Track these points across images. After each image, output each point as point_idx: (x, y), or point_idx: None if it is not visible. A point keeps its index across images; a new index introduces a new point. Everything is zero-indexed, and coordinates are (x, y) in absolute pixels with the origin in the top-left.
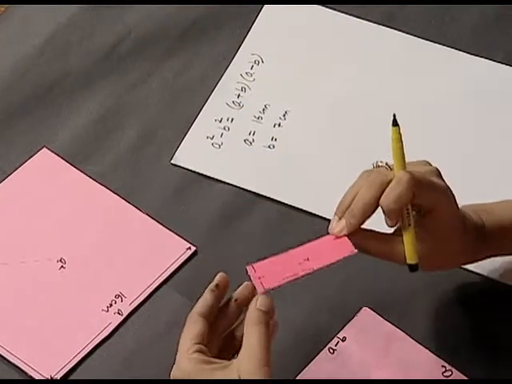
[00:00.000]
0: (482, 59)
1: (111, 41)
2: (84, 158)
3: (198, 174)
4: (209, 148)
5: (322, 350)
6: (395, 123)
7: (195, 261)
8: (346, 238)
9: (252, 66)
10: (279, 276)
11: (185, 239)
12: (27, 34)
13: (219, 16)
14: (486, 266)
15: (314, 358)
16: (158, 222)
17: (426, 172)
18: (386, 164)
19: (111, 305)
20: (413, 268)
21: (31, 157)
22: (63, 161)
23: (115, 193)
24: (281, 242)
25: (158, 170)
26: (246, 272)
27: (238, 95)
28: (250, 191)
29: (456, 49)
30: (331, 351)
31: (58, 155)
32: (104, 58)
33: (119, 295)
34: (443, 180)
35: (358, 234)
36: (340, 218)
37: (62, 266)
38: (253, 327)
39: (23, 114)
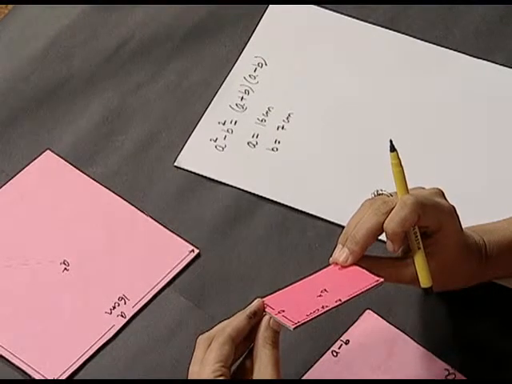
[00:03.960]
0: (485, 62)
1: (115, 43)
2: (87, 161)
3: (202, 176)
4: (212, 150)
5: (325, 352)
6: (393, 149)
7: (198, 263)
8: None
9: (255, 69)
10: (302, 310)
11: (188, 241)
12: (31, 36)
13: (223, 18)
14: None
15: (318, 360)
16: (162, 224)
17: (430, 193)
18: (388, 193)
19: (114, 307)
20: (427, 291)
21: (35, 159)
22: (66, 163)
23: (118, 195)
24: (284, 244)
25: (162, 173)
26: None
27: (242, 98)
28: (253, 194)
29: (459, 51)
30: (334, 354)
31: (61, 157)
32: (107, 60)
33: (122, 298)
34: (447, 200)
35: (363, 262)
36: (343, 246)
37: (65, 269)
38: (266, 347)
39: (27, 116)
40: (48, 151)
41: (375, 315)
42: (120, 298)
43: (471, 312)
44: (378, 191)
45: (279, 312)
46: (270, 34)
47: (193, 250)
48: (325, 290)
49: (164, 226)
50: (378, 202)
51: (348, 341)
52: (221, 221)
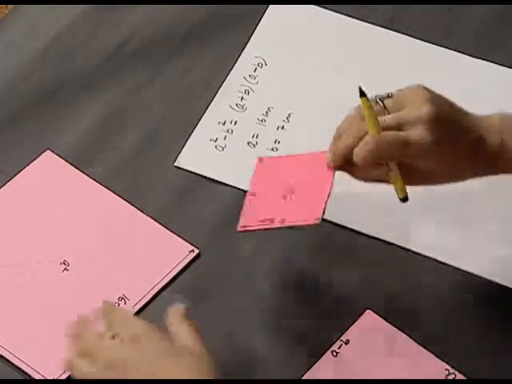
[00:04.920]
0: (485, 62)
1: (115, 43)
2: (88, 161)
3: (202, 176)
4: (212, 150)
5: (325, 352)
6: (362, 94)
7: (198, 263)
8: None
9: (255, 69)
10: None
11: (188, 241)
12: (31, 36)
13: (223, 18)
14: (488, 269)
15: (317, 360)
16: (161, 224)
17: (410, 126)
18: (388, 95)
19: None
20: (403, 200)
21: (35, 159)
22: (66, 163)
23: (119, 195)
24: (284, 243)
25: (162, 173)
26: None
27: (242, 98)
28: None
29: (458, 51)
30: (334, 354)
31: (61, 157)
32: (108, 60)
33: (122, 297)
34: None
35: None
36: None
37: (65, 269)
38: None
39: (27, 116)
40: (48, 151)
41: (375, 315)
42: (120, 298)
43: (471, 312)
44: (376, 97)
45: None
46: (270, 34)
47: (193, 250)
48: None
49: (164, 226)
50: (356, 122)
51: (348, 341)
52: (221, 220)
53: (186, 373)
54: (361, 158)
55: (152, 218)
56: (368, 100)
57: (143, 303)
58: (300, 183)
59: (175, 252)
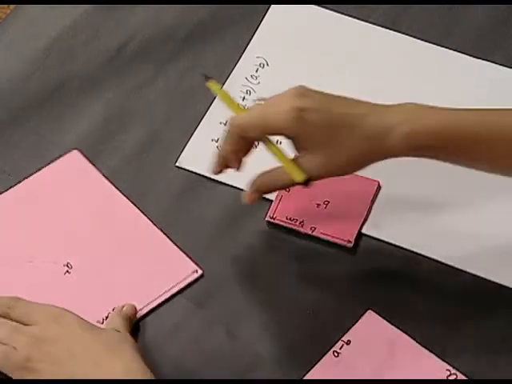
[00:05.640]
0: (485, 62)
1: (116, 43)
2: (90, 160)
3: (203, 176)
4: (214, 151)
5: (326, 353)
6: (208, 78)
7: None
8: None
9: (257, 69)
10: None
11: (192, 259)
12: (33, 36)
13: (224, 18)
14: (490, 270)
15: (319, 361)
16: (168, 236)
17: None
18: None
19: (107, 317)
20: (306, 184)
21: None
22: (89, 163)
23: (132, 202)
24: (285, 243)
25: (163, 173)
26: None
27: (243, 98)
28: None
29: (459, 51)
30: (336, 354)
31: (86, 158)
32: (109, 60)
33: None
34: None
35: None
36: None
37: (67, 271)
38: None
39: (28, 115)
40: (76, 151)
41: (376, 315)
42: (114, 309)
43: (473, 312)
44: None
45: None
46: (272, 34)
47: (196, 271)
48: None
49: (171, 240)
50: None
51: (349, 341)
52: (222, 220)
53: (103, 347)
54: (251, 201)
55: (162, 231)
56: (216, 83)
57: (140, 316)
58: (336, 196)
59: (179, 270)
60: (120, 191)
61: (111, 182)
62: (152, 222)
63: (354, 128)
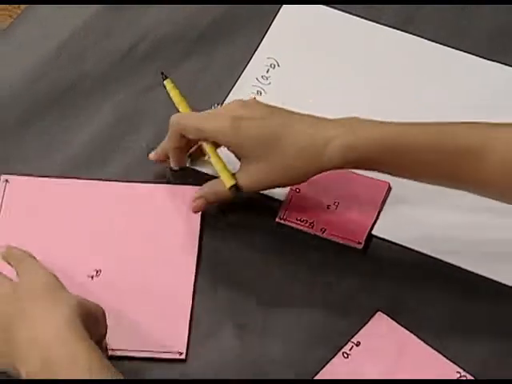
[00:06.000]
0: (498, 64)
1: (127, 43)
2: (99, 161)
3: (215, 177)
4: (224, 150)
5: (336, 354)
6: (165, 77)
7: (204, 263)
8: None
9: (268, 70)
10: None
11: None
12: (44, 36)
13: (236, 19)
14: (500, 272)
15: (328, 362)
16: None
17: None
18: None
19: None
20: (237, 190)
21: None
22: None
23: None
24: (295, 244)
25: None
26: None
27: (254, 98)
28: (264, 195)
29: (470, 53)
30: (345, 355)
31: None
32: (120, 60)
33: None
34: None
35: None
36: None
37: (94, 276)
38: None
39: (39, 116)
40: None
41: (386, 317)
42: None
43: (484, 314)
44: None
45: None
46: (283, 34)
47: (180, 353)
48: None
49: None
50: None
51: (359, 342)
52: (231, 221)
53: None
54: (194, 207)
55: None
56: (172, 82)
57: None
58: (346, 198)
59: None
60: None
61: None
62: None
63: (289, 139)
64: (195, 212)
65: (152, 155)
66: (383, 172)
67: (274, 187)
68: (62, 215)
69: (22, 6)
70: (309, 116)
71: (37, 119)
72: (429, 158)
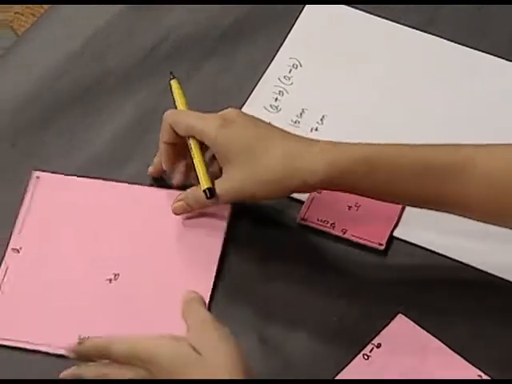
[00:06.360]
0: None
1: (150, 43)
2: (121, 159)
3: None
4: None
5: (356, 356)
6: (173, 77)
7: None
8: None
9: (290, 70)
10: None
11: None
12: (67, 35)
13: (258, 18)
14: None
15: (349, 363)
16: None
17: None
18: None
19: None
20: (210, 194)
21: None
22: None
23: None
24: (316, 245)
25: None
26: None
27: (276, 99)
28: None
29: (492, 54)
30: (366, 357)
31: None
32: (142, 59)
33: None
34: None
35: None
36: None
37: (112, 279)
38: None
39: (62, 114)
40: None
41: (407, 319)
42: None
43: (505, 317)
44: None
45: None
46: (306, 35)
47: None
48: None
49: None
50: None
51: (380, 344)
52: (253, 221)
53: None
54: (174, 209)
55: None
56: (178, 82)
57: None
58: (368, 199)
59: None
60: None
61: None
62: None
63: (275, 151)
64: (175, 214)
65: (150, 168)
66: (365, 194)
67: (252, 199)
68: (85, 216)
69: (46, 6)
70: (296, 135)
71: (59, 117)
72: (413, 173)
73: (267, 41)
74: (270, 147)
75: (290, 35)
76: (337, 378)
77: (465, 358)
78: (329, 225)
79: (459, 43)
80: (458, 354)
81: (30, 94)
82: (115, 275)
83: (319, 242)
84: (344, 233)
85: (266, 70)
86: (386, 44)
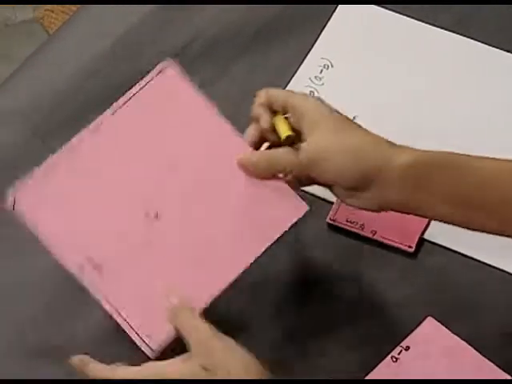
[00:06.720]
0: None
1: (181, 42)
2: None
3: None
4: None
5: (384, 358)
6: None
7: None
8: None
9: (321, 71)
10: None
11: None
12: (98, 34)
13: (289, 18)
14: None
15: (377, 365)
16: None
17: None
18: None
19: None
20: (287, 140)
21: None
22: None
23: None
24: (345, 245)
25: None
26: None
27: None
28: (313, 195)
29: None
30: (394, 360)
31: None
32: (174, 58)
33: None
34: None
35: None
36: None
37: (153, 218)
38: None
39: (92, 113)
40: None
41: (436, 322)
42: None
43: None
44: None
45: None
46: (338, 35)
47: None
48: None
49: None
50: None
51: (408, 347)
52: None
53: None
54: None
55: None
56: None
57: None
58: None
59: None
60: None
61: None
62: None
63: (359, 133)
64: (239, 166)
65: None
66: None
67: (325, 171)
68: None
69: (78, 6)
70: None
71: (90, 116)
72: (490, 184)
73: (299, 41)
74: (357, 127)
75: (322, 35)
76: (365, 378)
77: (494, 363)
78: (358, 226)
79: (493, 46)
80: (488, 358)
81: (61, 92)
82: (157, 214)
83: (348, 243)
84: (373, 234)
85: (297, 70)
86: (417, 45)
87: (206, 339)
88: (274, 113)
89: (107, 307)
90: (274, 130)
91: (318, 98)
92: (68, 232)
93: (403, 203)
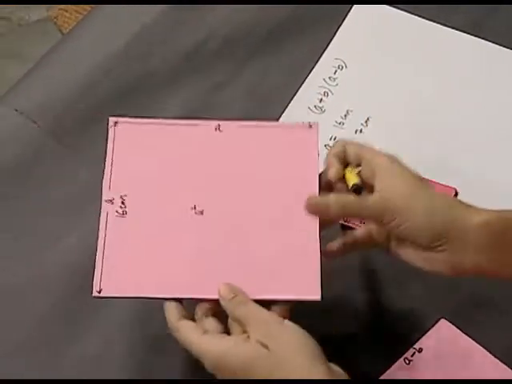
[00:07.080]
0: None
1: (194, 42)
2: None
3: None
4: None
5: (397, 359)
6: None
7: None
8: None
9: (335, 71)
10: None
11: None
12: (112, 33)
13: (304, 19)
14: None
15: (390, 367)
16: None
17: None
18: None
19: None
20: (357, 189)
21: None
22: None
23: None
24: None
25: None
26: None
27: (321, 100)
28: None
29: None
30: (407, 362)
31: None
32: (187, 58)
33: None
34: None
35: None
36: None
37: (199, 212)
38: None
39: (106, 112)
40: None
41: (450, 324)
42: None
43: None
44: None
45: None
46: (352, 35)
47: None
48: None
49: None
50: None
51: (421, 349)
52: None
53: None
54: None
55: None
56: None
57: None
58: None
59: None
60: None
61: None
62: None
63: (429, 188)
64: (309, 212)
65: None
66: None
67: (392, 219)
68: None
69: (92, 6)
70: None
71: (103, 114)
72: None
73: (313, 41)
74: (429, 186)
75: (337, 35)
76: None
77: (508, 366)
78: None
79: (502, 45)
80: (501, 360)
81: (74, 91)
82: (201, 211)
83: None
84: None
85: (312, 70)
86: (432, 46)
87: (266, 319)
88: (346, 164)
89: None
90: (342, 179)
91: (392, 156)
92: None
93: (479, 264)
